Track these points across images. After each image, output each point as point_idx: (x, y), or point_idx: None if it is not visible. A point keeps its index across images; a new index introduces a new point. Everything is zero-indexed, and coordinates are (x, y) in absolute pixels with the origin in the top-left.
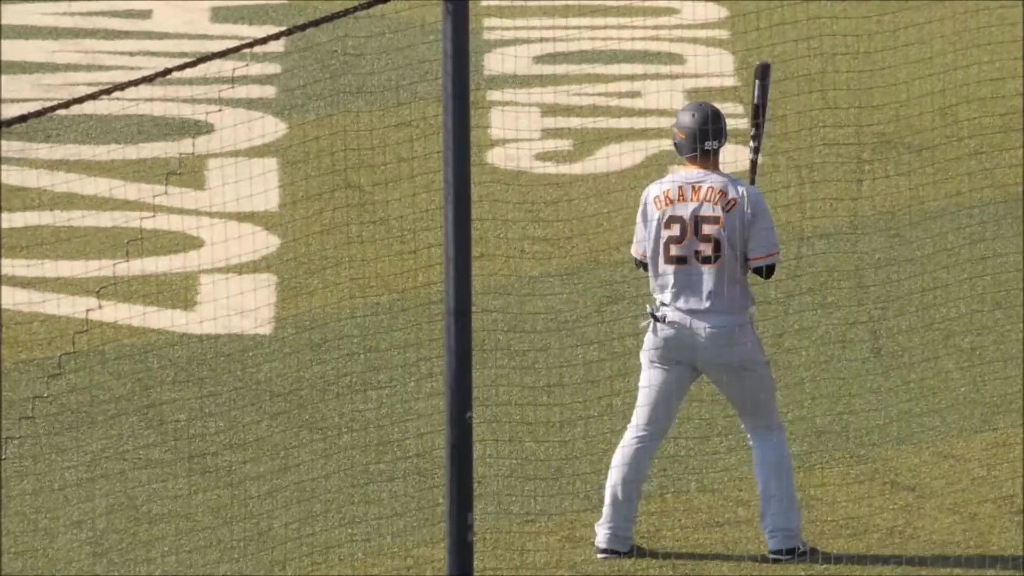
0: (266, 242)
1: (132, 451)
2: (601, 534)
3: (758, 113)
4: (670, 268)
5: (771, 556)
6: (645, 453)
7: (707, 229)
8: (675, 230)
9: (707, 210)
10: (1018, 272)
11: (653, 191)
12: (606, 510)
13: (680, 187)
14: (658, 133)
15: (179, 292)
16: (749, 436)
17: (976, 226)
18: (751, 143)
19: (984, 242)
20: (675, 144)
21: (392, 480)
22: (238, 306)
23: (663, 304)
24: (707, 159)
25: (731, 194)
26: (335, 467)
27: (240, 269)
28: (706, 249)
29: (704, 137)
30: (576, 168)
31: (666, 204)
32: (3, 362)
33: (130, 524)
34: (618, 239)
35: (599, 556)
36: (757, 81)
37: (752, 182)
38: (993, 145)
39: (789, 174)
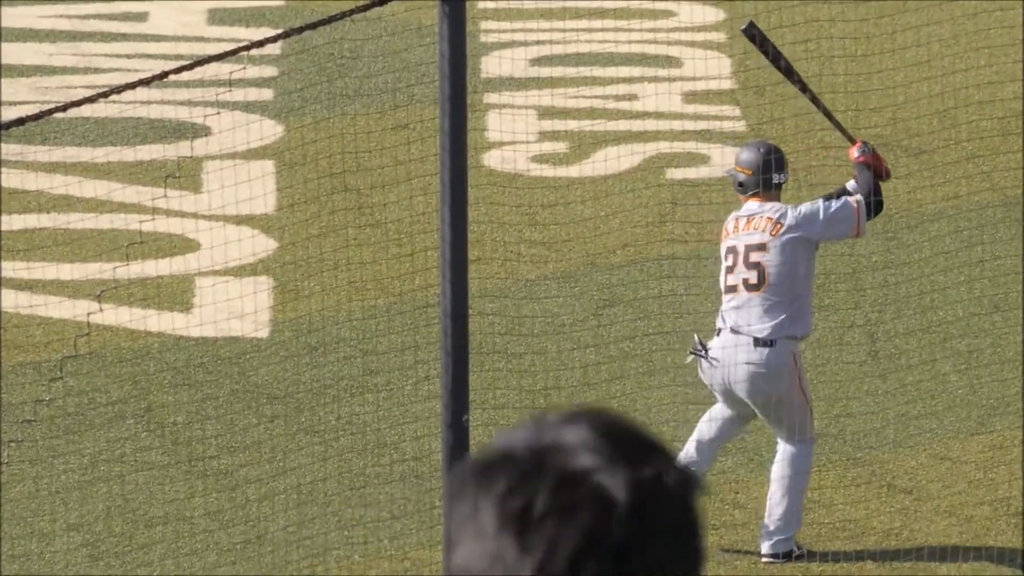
0: (263, 245)
1: (129, 454)
2: None
3: (775, 59)
4: (726, 297)
5: (764, 560)
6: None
7: (754, 257)
8: (730, 260)
9: (756, 238)
10: (1016, 275)
11: (723, 228)
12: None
13: (737, 219)
14: (656, 136)
15: (176, 295)
16: (778, 441)
17: (974, 229)
18: (797, 87)
19: (982, 245)
20: (739, 184)
21: (389, 483)
22: (235, 309)
23: (717, 330)
24: (769, 194)
25: (776, 219)
26: (332, 470)
27: (237, 272)
28: (752, 276)
29: (767, 171)
30: (573, 171)
31: (725, 236)
32: (1, 365)
33: (127, 527)
34: (615, 242)
35: None
36: (756, 45)
37: (826, 113)
38: (991, 148)
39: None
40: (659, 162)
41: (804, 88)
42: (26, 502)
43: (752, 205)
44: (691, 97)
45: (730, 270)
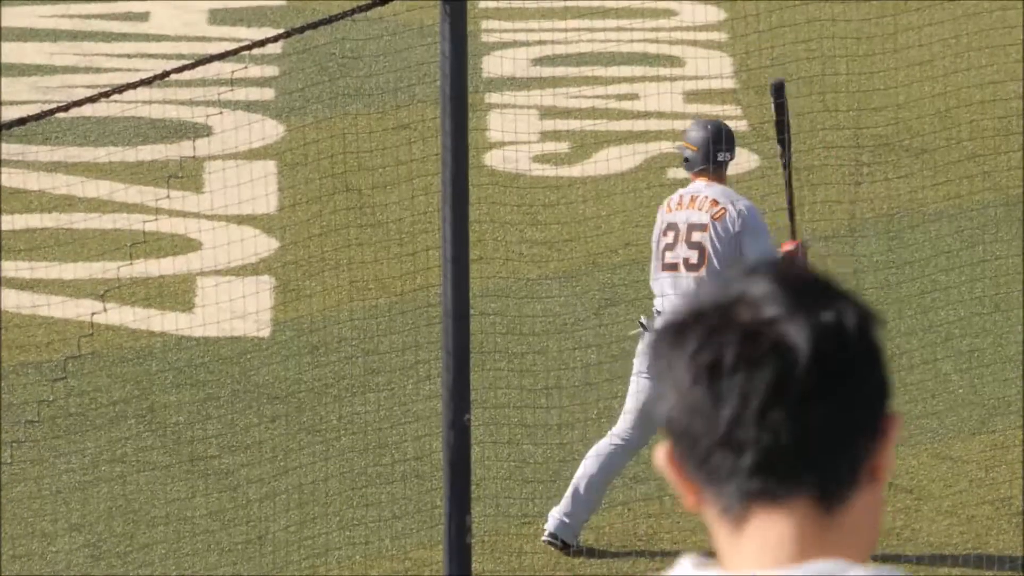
0: (265, 245)
1: (131, 454)
2: (552, 521)
3: (782, 130)
4: (664, 275)
5: None
6: (619, 458)
7: (695, 236)
8: (670, 237)
9: (698, 217)
10: (1017, 275)
11: (665, 202)
12: (565, 499)
13: (681, 196)
14: (657, 135)
15: (178, 295)
16: None
17: (975, 229)
18: (780, 160)
19: (983, 245)
20: (685, 159)
21: (390, 483)
22: (237, 309)
23: (657, 312)
24: (716, 173)
25: (722, 203)
26: (333, 470)
27: (239, 272)
28: (692, 256)
29: (714, 150)
30: (575, 171)
31: (667, 212)
32: (2, 365)
33: (129, 527)
34: (616, 242)
35: (544, 540)
36: (774, 100)
37: (790, 199)
38: (992, 148)
39: None
40: (661, 162)
41: (786, 165)
42: (28, 502)
43: (699, 184)
44: (693, 97)
45: (670, 247)
